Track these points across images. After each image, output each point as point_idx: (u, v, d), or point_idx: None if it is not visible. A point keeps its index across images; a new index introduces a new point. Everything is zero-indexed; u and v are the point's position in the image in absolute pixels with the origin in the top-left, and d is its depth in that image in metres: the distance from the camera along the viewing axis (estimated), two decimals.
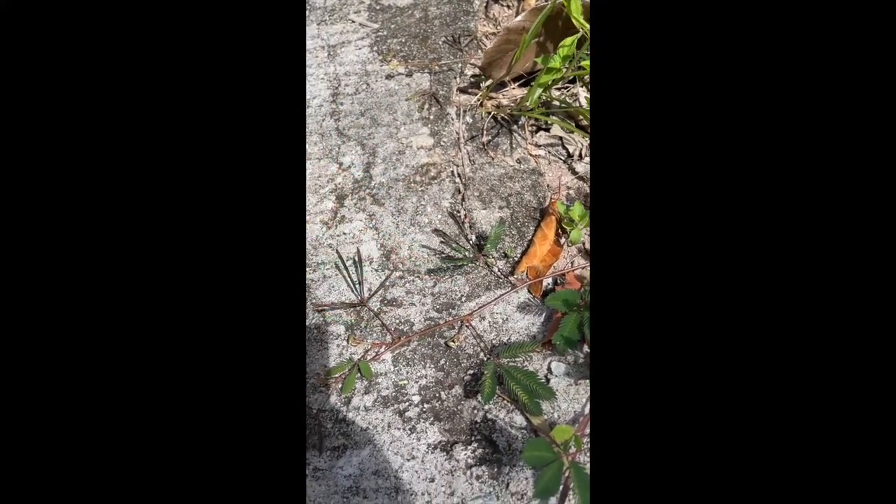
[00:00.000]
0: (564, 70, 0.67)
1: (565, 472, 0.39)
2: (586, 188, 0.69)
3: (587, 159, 0.72)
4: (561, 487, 0.42)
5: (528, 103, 0.70)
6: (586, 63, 0.67)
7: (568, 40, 0.65)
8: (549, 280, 0.58)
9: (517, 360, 0.51)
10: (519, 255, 0.61)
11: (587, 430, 0.46)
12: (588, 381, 0.49)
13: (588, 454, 0.45)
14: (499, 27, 0.87)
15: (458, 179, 0.69)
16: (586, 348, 0.51)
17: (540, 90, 0.68)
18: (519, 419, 0.48)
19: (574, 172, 0.71)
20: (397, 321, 0.56)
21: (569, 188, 0.69)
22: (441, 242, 0.61)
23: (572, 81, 0.78)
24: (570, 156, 0.73)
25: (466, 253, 0.59)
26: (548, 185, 0.69)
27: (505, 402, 0.49)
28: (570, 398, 0.48)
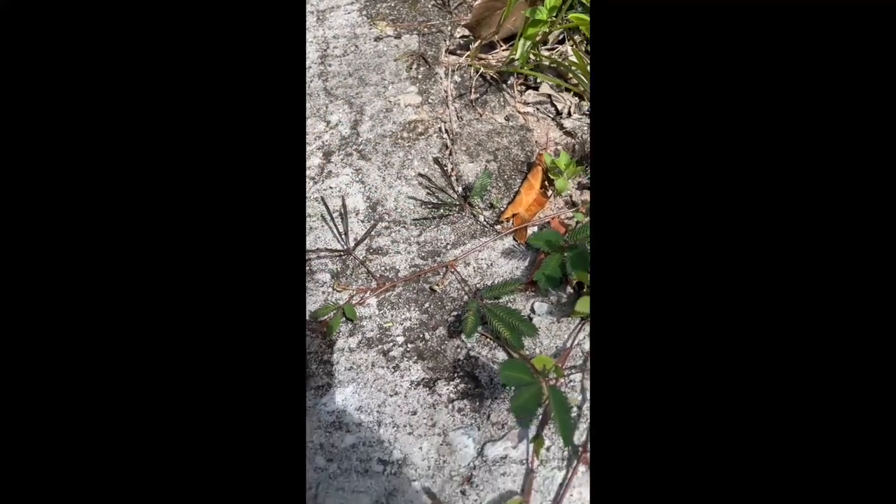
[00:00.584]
0: (551, 22, 0.66)
1: (545, 399, 0.39)
2: (574, 143, 0.68)
3: (576, 116, 0.72)
4: (541, 414, 0.42)
5: (515, 58, 0.70)
6: (574, 16, 0.67)
7: None
8: (535, 228, 0.58)
9: (501, 300, 0.51)
10: (505, 206, 0.61)
11: (567, 363, 0.46)
12: (570, 318, 0.49)
13: (568, 383, 0.45)
14: None
15: (445, 135, 0.69)
16: (569, 289, 0.51)
17: (528, 43, 0.68)
18: (501, 355, 0.48)
19: (562, 128, 0.71)
20: (383, 268, 0.56)
21: (557, 143, 0.69)
22: (427, 194, 0.61)
23: (561, 42, 0.78)
24: (558, 113, 0.73)
25: (452, 200, 0.59)
26: (536, 141, 0.69)
27: (488, 340, 0.49)
28: (553, 335, 0.48)
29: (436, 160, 0.64)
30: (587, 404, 0.43)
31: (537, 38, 0.70)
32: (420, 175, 0.62)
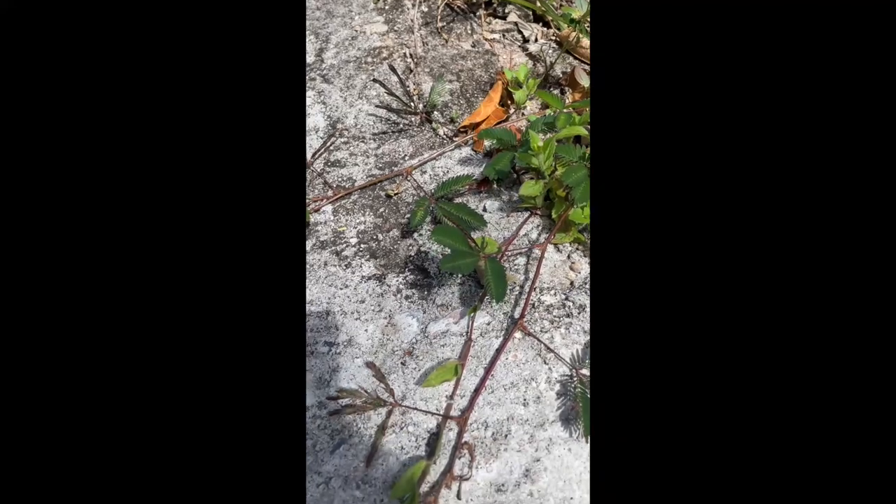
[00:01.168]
0: None
1: (483, 266, 0.40)
2: (539, 67, 0.68)
3: (541, 41, 0.72)
4: (482, 293, 0.43)
5: None
6: None
7: None
8: None
9: (454, 200, 0.51)
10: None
11: (513, 249, 0.46)
12: (519, 213, 0.49)
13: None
14: None
15: (409, 59, 0.69)
16: (525, 183, 0.51)
17: None
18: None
19: (527, 52, 0.70)
20: (340, 179, 0.57)
21: (522, 65, 0.68)
22: (387, 110, 0.62)
23: None
24: (525, 40, 0.73)
25: (410, 110, 0.59)
26: (501, 66, 0.69)
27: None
28: (501, 228, 0.48)
29: (391, 67, 0.64)
30: (528, 284, 0.43)
31: None
32: (374, 80, 0.62)
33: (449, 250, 0.40)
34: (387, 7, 0.75)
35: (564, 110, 0.47)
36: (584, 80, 0.56)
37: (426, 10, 0.75)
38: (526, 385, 0.38)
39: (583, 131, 0.46)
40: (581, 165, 0.44)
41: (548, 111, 0.57)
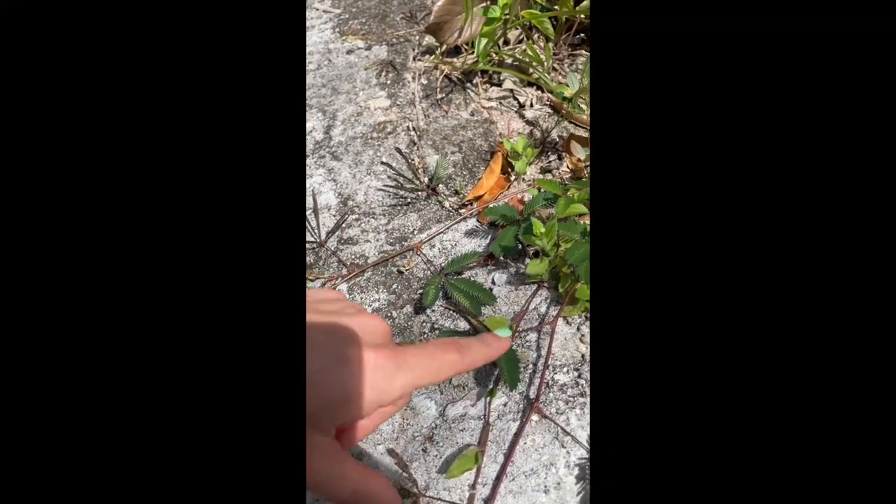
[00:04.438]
0: (505, 19, 0.70)
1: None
2: (535, 132, 0.71)
3: (537, 107, 0.75)
4: (496, 373, 0.44)
5: (477, 56, 0.73)
6: (526, 12, 0.71)
7: None
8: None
9: (462, 274, 0.53)
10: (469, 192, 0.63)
11: (524, 325, 0.48)
12: (527, 286, 0.51)
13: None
14: None
15: (412, 132, 0.72)
16: (528, 260, 0.53)
17: (486, 41, 0.72)
18: (463, 324, 0.50)
19: (524, 118, 0.74)
20: (353, 256, 0.59)
21: (519, 133, 0.71)
22: (395, 186, 0.64)
23: (522, 42, 0.82)
24: (521, 106, 0.76)
25: (418, 187, 0.62)
26: (500, 133, 0.72)
27: (451, 313, 0.51)
28: (511, 302, 0.50)
29: (397, 149, 0.67)
30: (542, 360, 0.45)
31: (496, 37, 0.74)
32: (383, 163, 0.65)
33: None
34: (389, 82, 0.79)
35: (566, 193, 0.49)
36: (580, 153, 0.59)
37: (425, 82, 0.79)
38: (546, 471, 0.39)
39: (583, 209, 0.48)
40: (583, 242, 0.46)
41: (548, 177, 0.59)
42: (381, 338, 0.30)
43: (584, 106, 0.61)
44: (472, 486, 0.38)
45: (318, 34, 0.89)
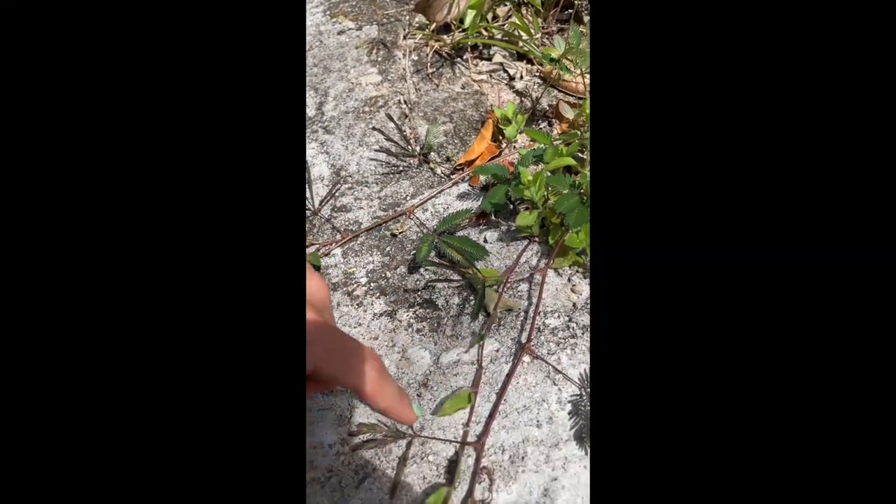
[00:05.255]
0: None
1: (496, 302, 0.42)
2: (526, 101, 0.72)
3: (526, 78, 0.76)
4: (485, 321, 0.45)
5: (466, 29, 0.74)
6: None
7: None
8: None
9: (455, 234, 0.54)
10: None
11: (515, 276, 0.48)
12: (518, 242, 0.51)
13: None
14: None
15: (404, 105, 0.73)
16: (520, 214, 0.53)
17: (474, 13, 0.73)
18: (456, 278, 0.50)
19: (514, 89, 0.75)
20: (347, 223, 0.60)
21: (510, 102, 0.72)
22: (387, 154, 0.65)
23: (509, 17, 0.83)
24: (511, 78, 0.77)
25: (409, 152, 0.63)
26: (490, 105, 0.73)
27: (445, 271, 0.52)
28: (503, 257, 0.51)
29: (388, 116, 0.67)
30: (532, 308, 0.45)
31: (485, 10, 0.75)
32: (374, 129, 0.66)
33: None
34: (380, 59, 0.80)
35: (553, 143, 0.50)
36: (569, 113, 0.60)
37: (416, 58, 0.80)
38: (538, 407, 0.39)
39: (571, 161, 0.48)
40: (572, 193, 0.46)
41: (537, 145, 0.60)
42: (318, 303, 0.30)
43: (570, 67, 0.62)
44: (466, 424, 0.39)
45: (310, 17, 0.90)
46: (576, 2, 0.83)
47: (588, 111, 0.44)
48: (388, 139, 0.64)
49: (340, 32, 0.86)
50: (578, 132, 0.57)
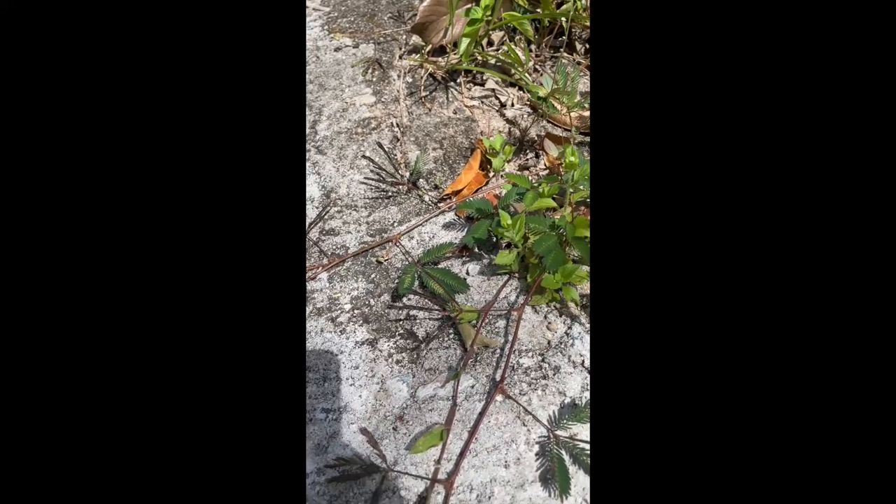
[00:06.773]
0: (487, 20, 0.73)
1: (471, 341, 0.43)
2: (515, 130, 0.74)
3: (517, 106, 0.78)
4: (462, 358, 0.46)
5: (460, 55, 0.76)
6: (507, 14, 0.73)
7: None
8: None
9: (439, 265, 0.55)
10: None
11: (493, 312, 0.50)
12: (499, 276, 0.53)
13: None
14: None
15: (396, 128, 0.74)
16: (499, 252, 0.55)
17: (469, 41, 0.74)
18: (437, 313, 0.52)
19: (504, 117, 0.76)
20: (334, 247, 0.61)
21: (500, 131, 0.74)
22: (377, 180, 0.67)
23: (504, 44, 0.84)
24: (502, 105, 0.79)
25: (398, 180, 0.64)
26: (481, 131, 0.74)
27: (426, 301, 0.53)
28: (483, 291, 0.52)
29: (378, 144, 0.69)
30: (508, 346, 0.47)
31: (479, 37, 0.76)
32: (364, 157, 0.67)
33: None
34: (375, 79, 0.81)
35: (534, 186, 0.51)
36: (553, 151, 0.61)
37: (410, 80, 0.81)
38: (507, 447, 0.41)
39: (551, 203, 0.50)
40: (551, 234, 0.48)
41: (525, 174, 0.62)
42: None
43: (557, 105, 0.64)
44: (438, 461, 0.40)
45: (307, 32, 0.91)
46: (570, 29, 0.84)
47: (570, 158, 0.46)
48: (379, 168, 0.65)
49: (337, 49, 0.87)
50: (559, 175, 0.58)
